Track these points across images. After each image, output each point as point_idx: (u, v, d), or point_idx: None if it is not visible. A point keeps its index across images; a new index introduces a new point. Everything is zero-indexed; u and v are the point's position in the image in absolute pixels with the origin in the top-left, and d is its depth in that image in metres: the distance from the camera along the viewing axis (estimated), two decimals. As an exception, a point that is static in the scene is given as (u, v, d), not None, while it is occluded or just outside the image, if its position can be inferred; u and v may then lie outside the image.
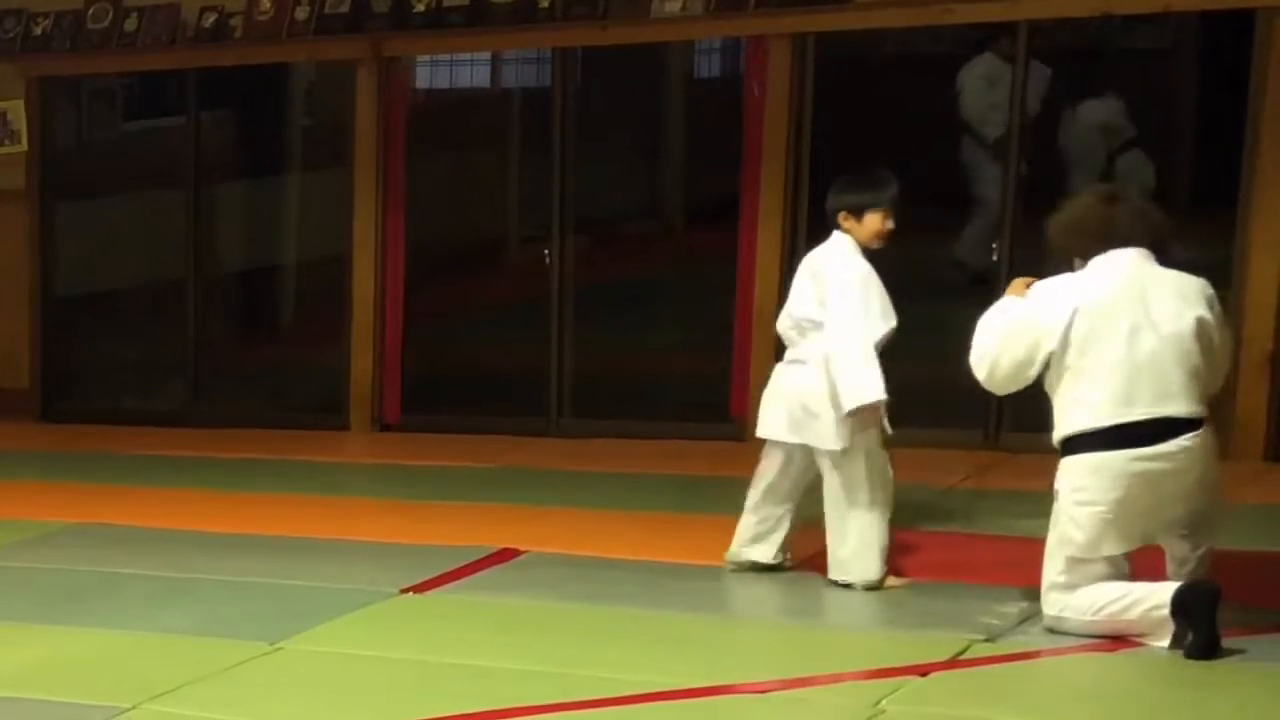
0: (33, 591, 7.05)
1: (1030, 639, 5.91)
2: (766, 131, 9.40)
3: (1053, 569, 5.90)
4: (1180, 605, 5.64)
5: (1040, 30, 8.96)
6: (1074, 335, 5.76)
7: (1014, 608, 6.18)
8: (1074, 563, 5.84)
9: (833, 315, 6.45)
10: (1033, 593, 6.15)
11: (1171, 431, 5.72)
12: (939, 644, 5.87)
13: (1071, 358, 5.78)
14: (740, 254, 9.57)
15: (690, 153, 10.94)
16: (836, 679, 5.63)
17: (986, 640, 5.91)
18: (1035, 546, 6.71)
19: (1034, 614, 6.05)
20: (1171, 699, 5.43)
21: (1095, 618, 5.82)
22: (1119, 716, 5.39)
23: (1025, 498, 7.88)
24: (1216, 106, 9.32)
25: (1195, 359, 5.76)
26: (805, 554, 6.95)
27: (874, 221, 6.51)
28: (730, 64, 10.62)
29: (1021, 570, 6.54)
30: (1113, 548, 5.81)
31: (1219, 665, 5.59)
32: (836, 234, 6.60)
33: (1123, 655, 5.75)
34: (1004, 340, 5.90)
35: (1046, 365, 5.85)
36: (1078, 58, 9.87)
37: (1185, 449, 5.72)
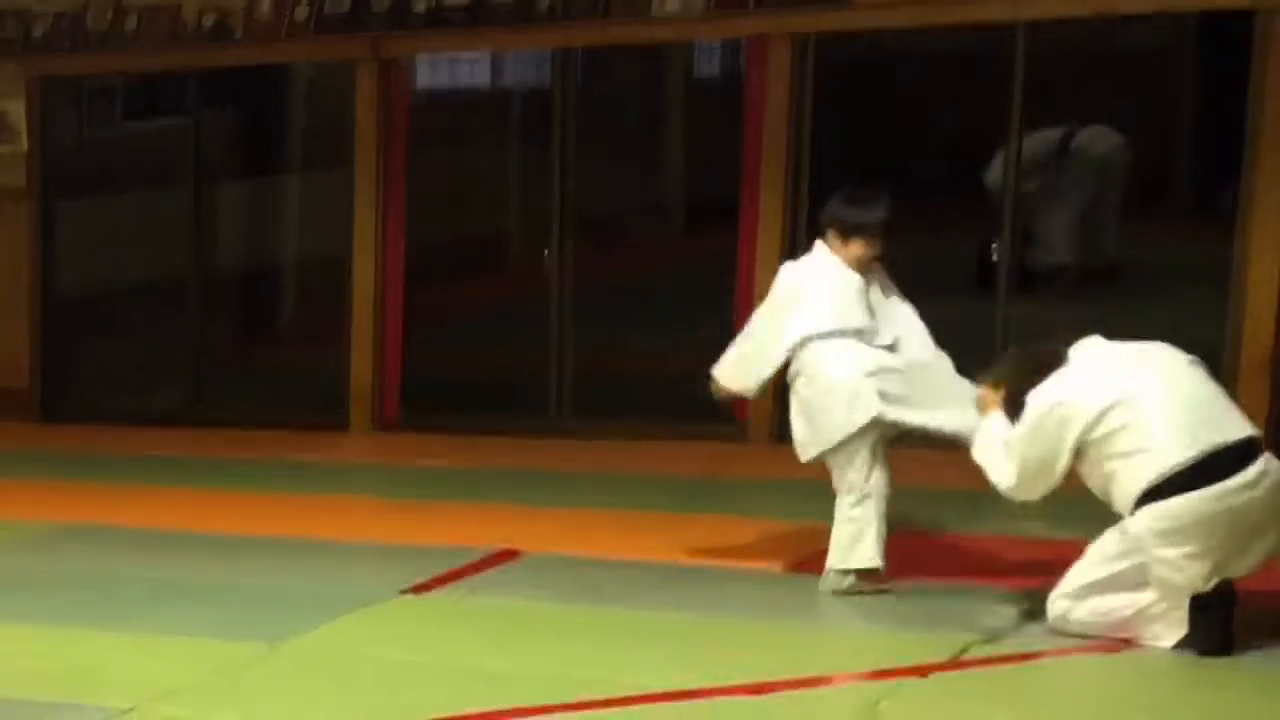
0: (33, 591, 7.04)
1: (1030, 639, 5.91)
2: (766, 131, 9.41)
3: (1077, 581, 5.85)
4: (1200, 603, 5.63)
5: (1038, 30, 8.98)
6: (1110, 414, 5.68)
7: (1014, 608, 6.18)
8: (1112, 585, 5.79)
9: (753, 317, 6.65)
10: (1033, 593, 6.15)
11: (1245, 457, 5.66)
12: (939, 644, 5.86)
13: (1110, 428, 5.68)
14: (740, 254, 9.57)
15: (690, 153, 10.94)
16: (836, 679, 5.63)
17: (986, 640, 5.90)
18: (1035, 547, 6.73)
19: (1034, 614, 6.05)
20: (1171, 699, 5.43)
21: (1105, 619, 5.81)
22: (1119, 717, 5.39)
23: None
24: (1216, 107, 9.32)
25: (1219, 388, 5.81)
26: (806, 554, 6.95)
27: (857, 247, 6.48)
28: (730, 64, 10.61)
29: (1022, 570, 6.56)
30: (1213, 581, 5.69)
31: (1219, 665, 5.60)
32: (819, 245, 6.59)
33: (1123, 655, 5.75)
34: (1022, 455, 5.82)
35: (1077, 454, 5.77)
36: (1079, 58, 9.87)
37: (1264, 472, 5.65)
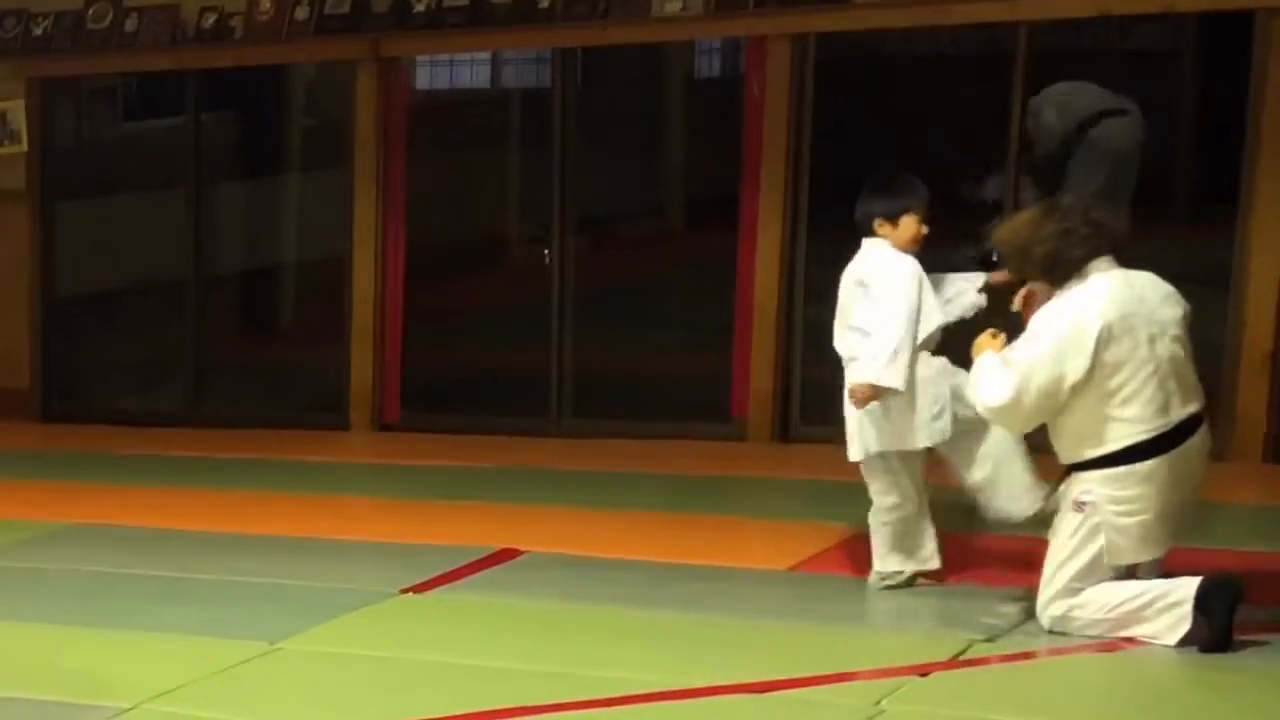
0: (33, 591, 7.05)
1: (1030, 639, 5.91)
2: (766, 131, 9.41)
3: (1064, 577, 5.86)
4: (1203, 598, 5.65)
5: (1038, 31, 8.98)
6: (1106, 357, 5.69)
7: (1014, 608, 6.18)
8: (1093, 570, 5.81)
9: (880, 314, 6.29)
10: (1033, 593, 6.15)
11: (1193, 426, 5.78)
12: (939, 644, 5.87)
13: (1100, 379, 5.70)
14: (740, 254, 9.57)
15: (690, 153, 10.94)
16: (836, 679, 5.62)
17: (986, 640, 5.91)
18: (1035, 546, 6.71)
19: (1034, 614, 6.05)
20: (1171, 699, 5.43)
21: (1108, 615, 5.81)
22: (1119, 716, 5.39)
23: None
24: (1216, 107, 9.32)
25: (1190, 350, 5.83)
26: (806, 554, 6.95)
27: (910, 225, 6.37)
28: (730, 64, 10.61)
29: (1021, 570, 6.55)
30: (1155, 550, 5.81)
31: (1219, 665, 5.60)
32: (872, 240, 6.45)
33: (1123, 655, 5.75)
34: (1029, 372, 5.74)
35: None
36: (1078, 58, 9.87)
37: (1203, 439, 5.81)
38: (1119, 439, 5.74)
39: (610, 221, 10.92)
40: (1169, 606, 5.72)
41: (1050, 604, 5.90)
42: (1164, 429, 5.72)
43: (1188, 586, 5.71)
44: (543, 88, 10.42)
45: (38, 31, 11.16)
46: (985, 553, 6.89)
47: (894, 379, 6.20)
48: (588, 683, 5.59)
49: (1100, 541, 5.79)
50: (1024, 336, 5.86)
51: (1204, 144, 9.65)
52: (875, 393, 6.26)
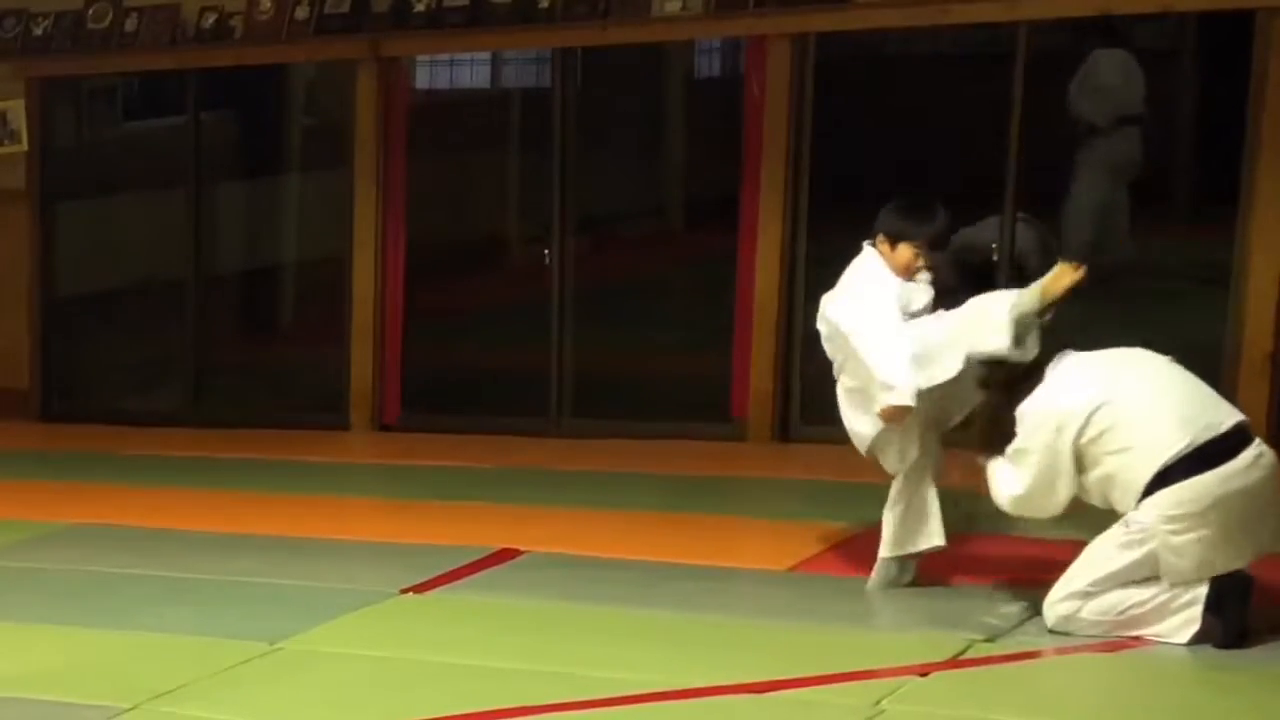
0: (33, 591, 7.05)
1: (1030, 639, 5.91)
2: (766, 131, 9.40)
3: (1086, 579, 5.84)
4: (1215, 600, 5.65)
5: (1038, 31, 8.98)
6: (1097, 415, 5.73)
7: (1014, 608, 6.18)
8: (1121, 579, 5.79)
9: (847, 315, 6.36)
10: (1033, 593, 6.15)
11: (1239, 443, 5.72)
12: (939, 644, 5.87)
13: (1100, 429, 5.73)
14: (740, 254, 9.57)
15: (690, 153, 10.94)
16: (836, 679, 5.62)
17: (986, 640, 5.91)
18: (1035, 546, 6.73)
19: (1034, 614, 6.05)
20: (1171, 699, 5.43)
21: (1115, 617, 5.80)
22: (1119, 716, 5.39)
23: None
24: (1216, 107, 9.32)
25: (1199, 381, 5.85)
26: (806, 554, 6.95)
27: (905, 253, 6.39)
28: (730, 64, 10.62)
29: (1021, 570, 6.55)
30: (1225, 565, 5.73)
31: (1219, 665, 5.60)
32: (868, 249, 6.51)
33: (1123, 655, 5.75)
34: (1028, 456, 5.86)
35: (1079, 463, 5.80)
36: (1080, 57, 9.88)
37: (1260, 454, 5.73)
38: (1148, 468, 5.68)
39: (610, 221, 10.92)
40: (1181, 607, 5.71)
41: (1060, 603, 5.89)
42: (1193, 443, 5.66)
43: (1199, 588, 5.70)
44: (543, 88, 10.42)
45: (38, 31, 11.16)
46: (985, 553, 6.89)
47: (904, 398, 6.19)
48: (588, 683, 5.59)
49: (1137, 555, 5.74)
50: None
51: (1204, 144, 9.66)
52: (900, 412, 6.25)
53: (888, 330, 6.25)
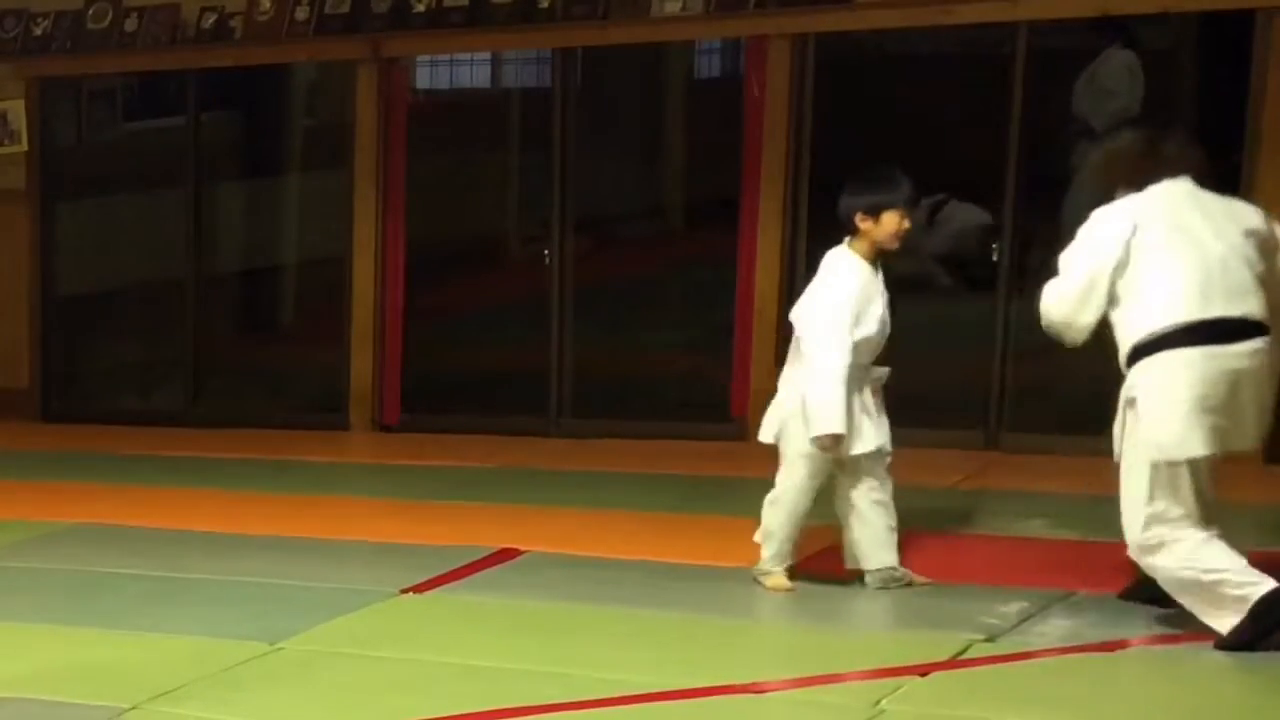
0: (33, 591, 7.05)
1: (1030, 639, 5.91)
2: (766, 131, 9.40)
3: (1140, 496, 5.72)
4: (1266, 606, 5.60)
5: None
6: (1137, 242, 5.69)
7: (1014, 608, 6.18)
8: (1158, 481, 5.68)
9: (807, 340, 6.44)
10: (1033, 593, 6.15)
11: (1248, 333, 5.68)
12: (939, 644, 5.86)
13: (1138, 265, 5.69)
14: (740, 254, 9.57)
15: (690, 153, 10.94)
16: (836, 679, 5.62)
17: (986, 640, 5.90)
18: (1035, 546, 6.74)
19: (1034, 614, 6.06)
20: (1171, 699, 5.43)
21: (1186, 572, 5.68)
22: (1119, 716, 5.39)
23: (1025, 498, 7.91)
24: (1216, 107, 9.32)
25: (1259, 267, 5.75)
26: (806, 554, 6.95)
27: (891, 221, 6.40)
28: (730, 64, 10.61)
29: (1021, 570, 6.56)
30: (1199, 447, 5.65)
31: (1218, 665, 5.59)
32: (843, 245, 6.51)
33: (1123, 655, 5.76)
34: (1068, 272, 5.81)
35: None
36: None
37: (1260, 350, 5.69)
38: (1153, 324, 5.66)
39: (610, 221, 10.92)
40: (1236, 599, 5.64)
41: (1145, 528, 5.73)
42: (1201, 318, 5.63)
43: (1263, 585, 5.63)
44: (543, 88, 10.42)
45: (38, 31, 11.16)
46: (985, 553, 6.89)
47: (830, 426, 6.30)
48: (587, 683, 5.59)
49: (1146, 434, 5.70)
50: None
51: (1204, 144, 9.65)
52: (833, 441, 6.35)
53: (834, 362, 6.30)
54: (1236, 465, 8.24)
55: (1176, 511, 5.69)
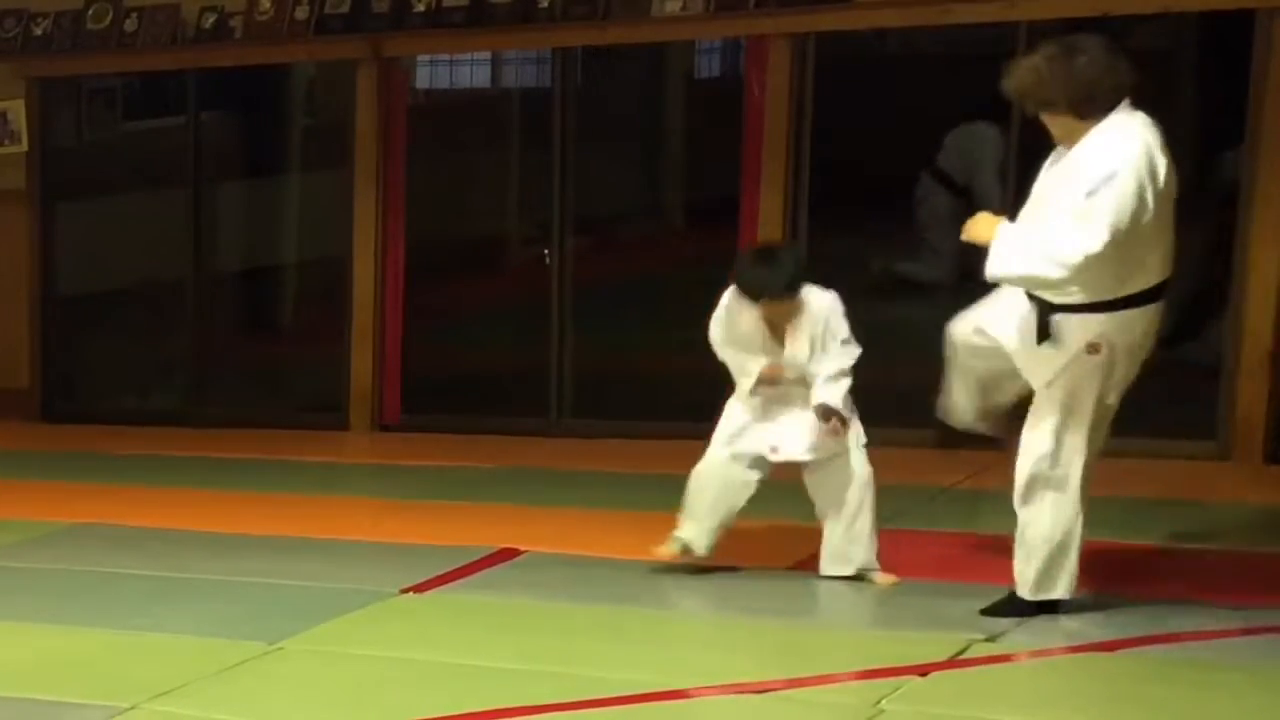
0: (33, 591, 7.05)
1: (1030, 639, 5.91)
2: (766, 131, 9.40)
3: (1051, 415, 5.87)
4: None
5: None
6: (1154, 192, 5.57)
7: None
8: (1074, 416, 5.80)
9: None
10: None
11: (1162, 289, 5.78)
12: (939, 644, 5.87)
13: (1153, 215, 5.59)
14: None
15: (690, 153, 10.94)
16: (836, 679, 5.62)
17: (986, 640, 5.91)
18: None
19: (1034, 614, 6.05)
20: (1171, 699, 5.43)
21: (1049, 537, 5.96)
22: (1118, 717, 5.39)
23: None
24: (1216, 107, 9.32)
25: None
26: (806, 554, 6.95)
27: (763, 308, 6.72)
28: (730, 64, 10.62)
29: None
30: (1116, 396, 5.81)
31: (1219, 665, 5.60)
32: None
33: (1123, 655, 5.75)
34: (1119, 210, 5.47)
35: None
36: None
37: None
38: (1135, 284, 5.67)
39: (610, 221, 10.92)
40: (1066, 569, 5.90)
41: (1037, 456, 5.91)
42: (1162, 280, 5.71)
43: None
44: (543, 88, 10.42)
45: (38, 31, 11.16)
46: (985, 552, 6.89)
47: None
48: (588, 683, 5.59)
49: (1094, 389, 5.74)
50: (1093, 180, 5.54)
51: (1204, 143, 9.66)
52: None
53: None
54: (1236, 465, 8.28)
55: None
